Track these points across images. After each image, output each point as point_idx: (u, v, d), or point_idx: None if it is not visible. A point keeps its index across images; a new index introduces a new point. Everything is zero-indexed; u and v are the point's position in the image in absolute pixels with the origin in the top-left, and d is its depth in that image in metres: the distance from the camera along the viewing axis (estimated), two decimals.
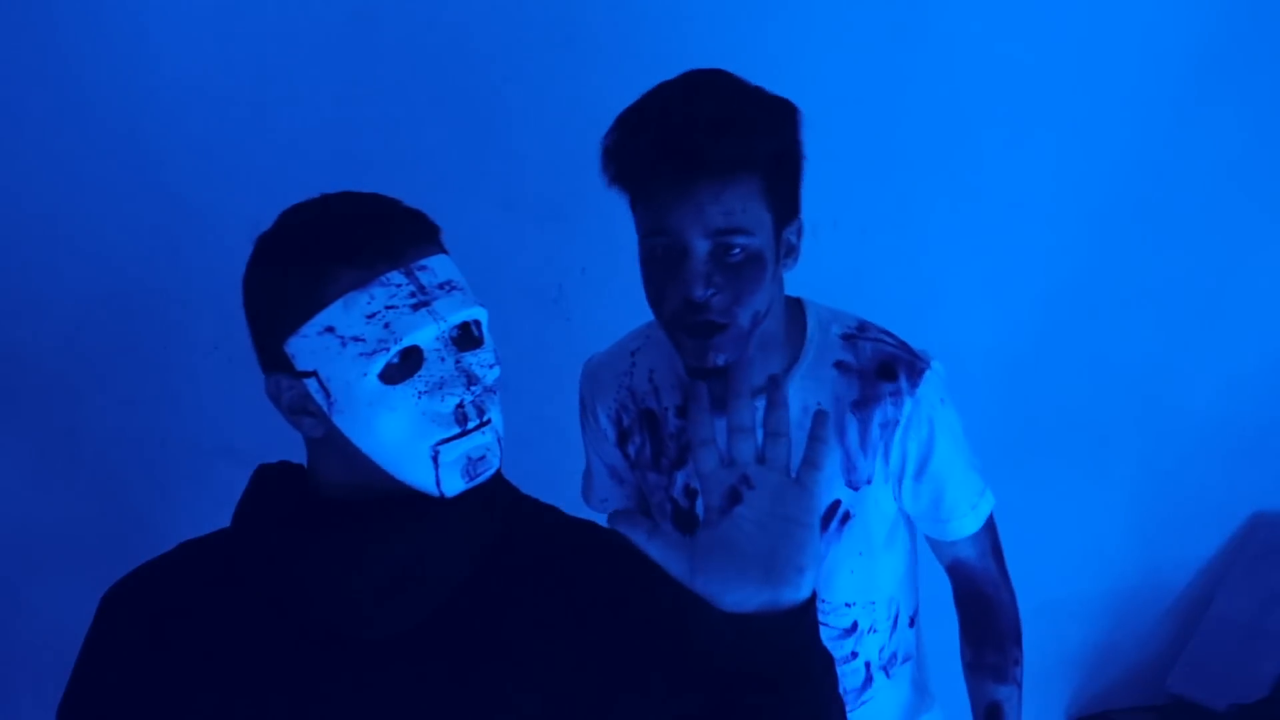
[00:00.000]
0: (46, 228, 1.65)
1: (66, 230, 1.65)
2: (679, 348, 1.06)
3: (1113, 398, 2.17)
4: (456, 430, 0.73)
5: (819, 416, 0.75)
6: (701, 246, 0.99)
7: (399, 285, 0.73)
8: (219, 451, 1.77)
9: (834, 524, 1.17)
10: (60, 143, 1.61)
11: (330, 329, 0.72)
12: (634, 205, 1.05)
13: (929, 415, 1.13)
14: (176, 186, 1.66)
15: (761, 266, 1.01)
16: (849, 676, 1.24)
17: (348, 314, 0.72)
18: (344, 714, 0.72)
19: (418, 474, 0.74)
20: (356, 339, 0.72)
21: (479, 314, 0.76)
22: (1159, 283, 2.11)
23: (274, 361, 0.76)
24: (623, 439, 1.26)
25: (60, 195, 1.64)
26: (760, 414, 0.78)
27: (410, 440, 0.73)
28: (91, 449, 1.76)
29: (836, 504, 1.16)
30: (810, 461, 0.73)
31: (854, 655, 1.24)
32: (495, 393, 0.77)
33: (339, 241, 0.73)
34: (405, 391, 0.73)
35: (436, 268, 0.75)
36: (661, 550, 0.72)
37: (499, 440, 0.77)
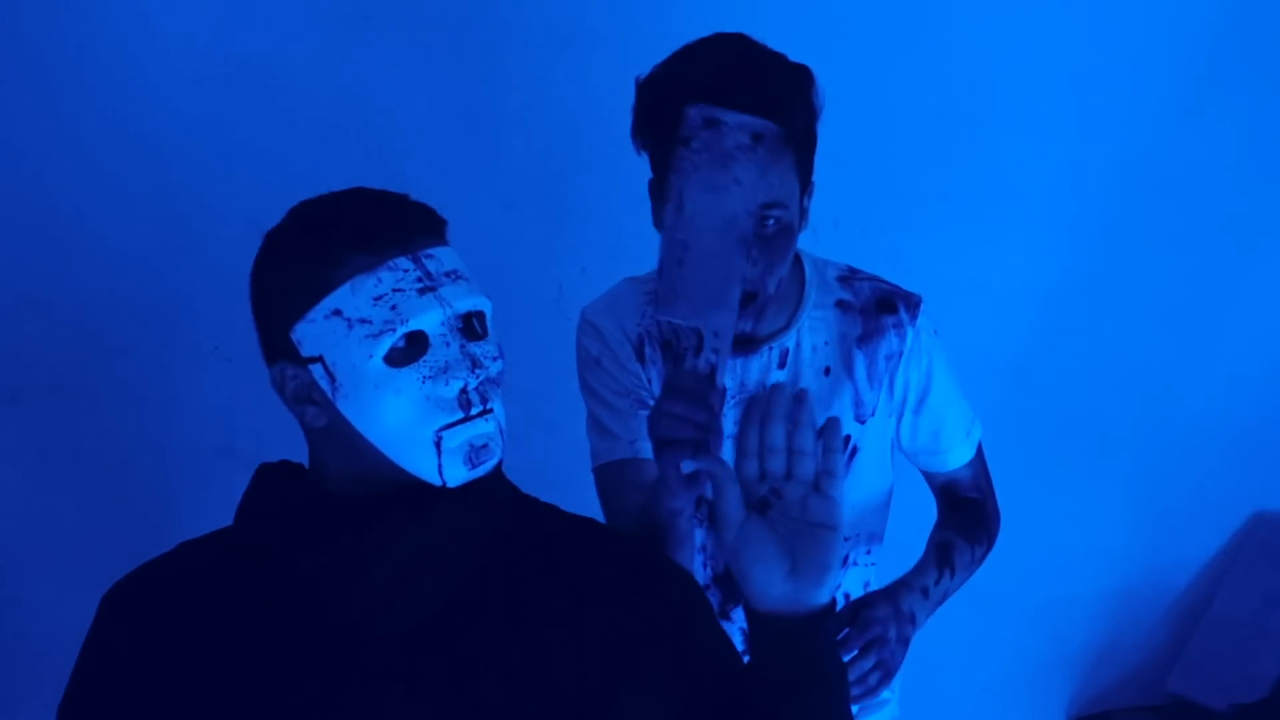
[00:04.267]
0: (47, 227, 1.65)
1: (67, 230, 1.65)
2: None
3: (1113, 398, 2.17)
4: (460, 415, 0.74)
5: (830, 425, 0.77)
6: None
7: (406, 270, 0.74)
8: (219, 451, 1.76)
9: (843, 459, 1.19)
10: (60, 142, 1.61)
11: (337, 312, 0.73)
12: (660, 169, 1.05)
13: (928, 346, 1.20)
14: (177, 186, 1.66)
15: (791, 237, 1.06)
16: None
17: (355, 297, 0.73)
18: (347, 710, 0.72)
19: (420, 461, 0.74)
20: (363, 321, 0.73)
21: (484, 305, 0.78)
22: (1159, 283, 2.11)
23: (279, 350, 0.77)
24: (643, 364, 1.24)
25: (60, 195, 1.64)
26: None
27: (413, 425, 0.73)
28: (91, 449, 1.76)
29: (846, 439, 1.19)
30: (828, 471, 0.76)
31: (837, 587, 1.26)
32: (499, 385, 0.77)
33: (348, 228, 0.74)
34: (410, 375, 0.73)
35: (443, 257, 0.76)
36: (721, 507, 0.76)
37: (501, 432, 0.77)
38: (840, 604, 1.27)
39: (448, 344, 0.74)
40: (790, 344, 1.18)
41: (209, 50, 1.61)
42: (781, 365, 1.19)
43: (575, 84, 1.73)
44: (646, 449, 1.24)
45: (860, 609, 1.10)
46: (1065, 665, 2.44)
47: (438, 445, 0.74)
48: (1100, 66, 1.91)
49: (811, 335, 1.18)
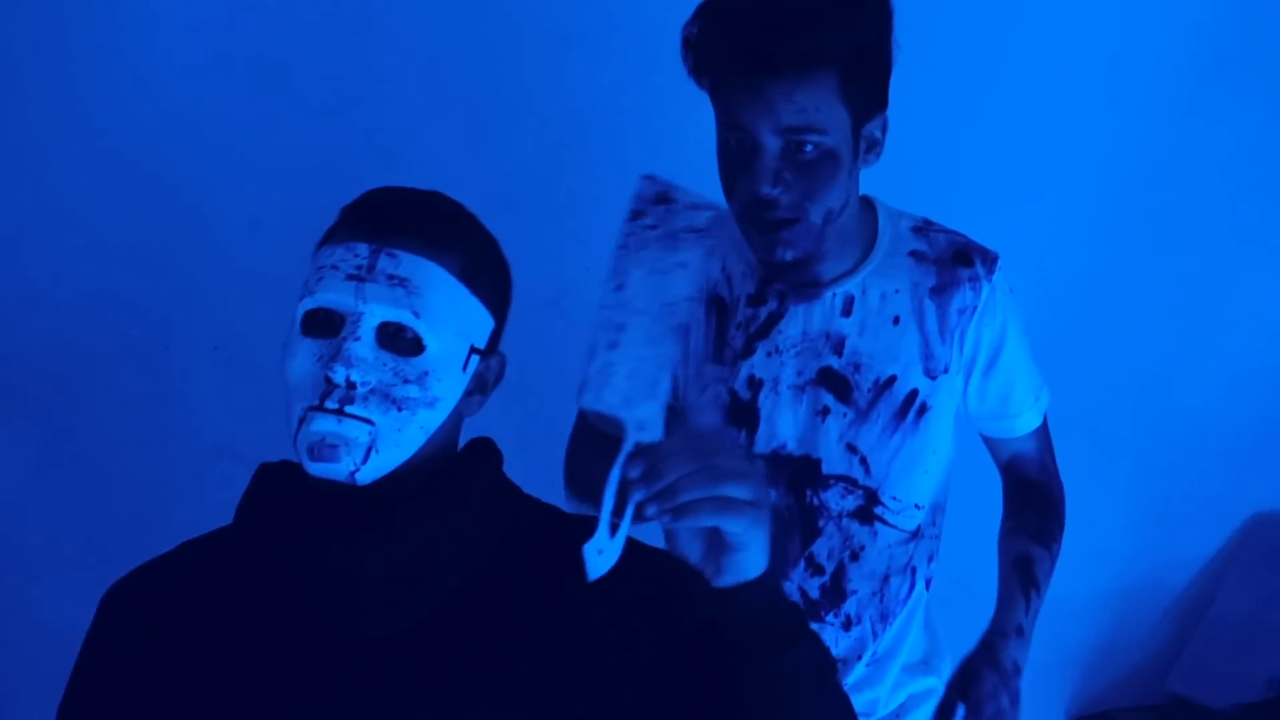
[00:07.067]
0: (46, 227, 1.65)
1: (66, 230, 1.65)
2: (748, 240, 1.08)
3: (1112, 397, 2.17)
4: (316, 402, 0.72)
5: None
6: (773, 143, 1.00)
7: (357, 255, 0.74)
8: (219, 451, 1.76)
9: (911, 415, 1.16)
10: (60, 142, 1.61)
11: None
12: (711, 97, 1.05)
13: (1003, 304, 1.16)
14: (176, 186, 1.66)
15: (835, 164, 1.02)
16: (902, 585, 1.23)
17: (314, 261, 0.77)
18: (345, 711, 0.72)
19: (291, 434, 0.74)
20: (305, 281, 0.76)
21: (406, 319, 0.73)
22: (1159, 282, 2.11)
23: None
24: None
25: (60, 195, 1.64)
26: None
27: (295, 396, 0.74)
28: (91, 449, 1.76)
29: (914, 393, 1.15)
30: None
31: (909, 560, 1.23)
32: (399, 408, 0.73)
33: (356, 204, 0.79)
34: (310, 347, 0.74)
35: (405, 262, 0.74)
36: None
37: (369, 449, 0.72)
38: (909, 580, 1.24)
39: (357, 336, 0.73)
40: (855, 290, 1.14)
41: (209, 50, 1.61)
42: (846, 313, 1.14)
43: (576, 83, 1.73)
44: None
45: (968, 685, 1.07)
46: (1065, 665, 2.44)
47: (300, 424, 0.73)
48: (1099, 65, 1.91)
49: (880, 283, 1.14)
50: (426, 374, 0.74)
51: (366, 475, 0.73)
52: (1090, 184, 1.99)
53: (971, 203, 1.95)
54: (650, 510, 0.66)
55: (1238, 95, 1.99)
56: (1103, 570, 2.34)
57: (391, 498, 0.75)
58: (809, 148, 1.00)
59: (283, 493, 0.78)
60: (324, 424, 0.72)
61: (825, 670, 0.75)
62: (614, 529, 0.68)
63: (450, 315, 0.75)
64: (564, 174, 1.77)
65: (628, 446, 0.68)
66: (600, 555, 0.68)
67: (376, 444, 0.73)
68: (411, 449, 0.75)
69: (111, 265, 1.68)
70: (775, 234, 1.04)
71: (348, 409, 0.72)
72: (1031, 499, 1.25)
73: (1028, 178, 1.95)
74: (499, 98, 1.72)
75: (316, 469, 0.72)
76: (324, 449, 0.72)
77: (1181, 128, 1.98)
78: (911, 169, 1.87)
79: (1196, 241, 2.08)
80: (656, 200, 0.75)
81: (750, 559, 0.68)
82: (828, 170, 1.02)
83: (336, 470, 0.72)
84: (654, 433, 0.70)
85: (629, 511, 0.67)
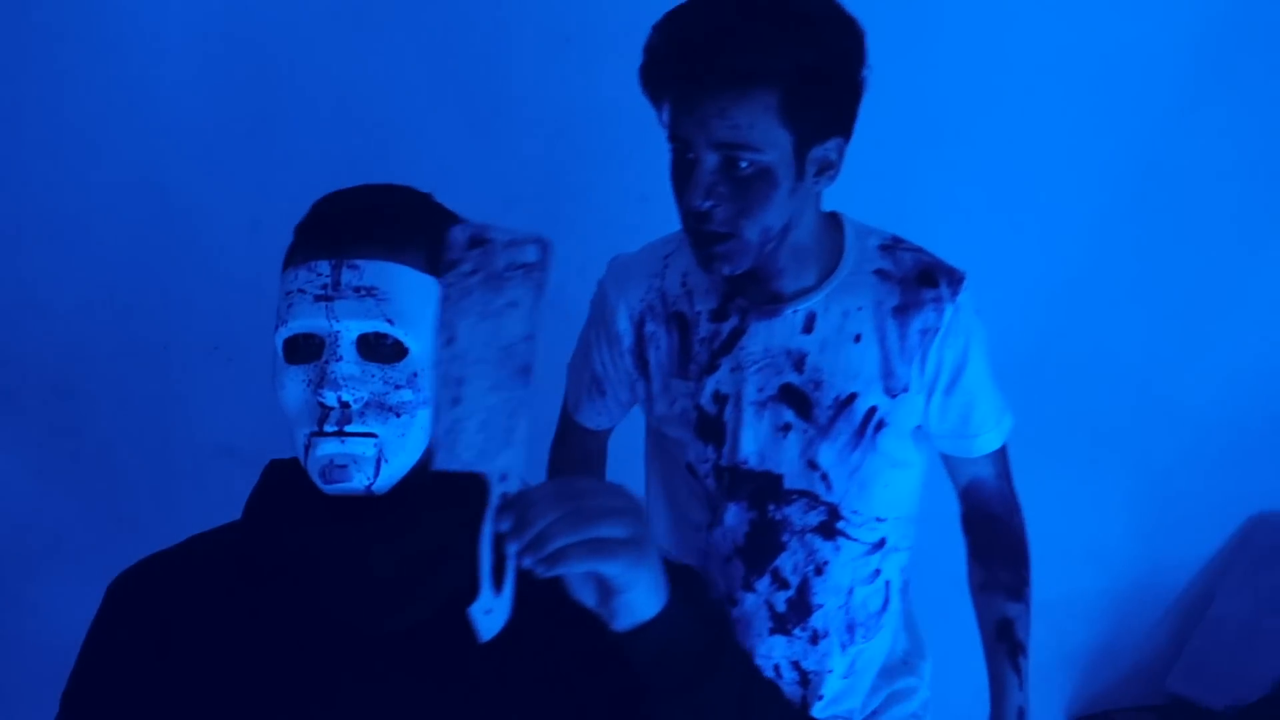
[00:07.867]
0: (47, 228, 1.65)
1: (66, 231, 1.65)
2: (692, 253, 1.09)
3: (1112, 397, 2.17)
4: (315, 428, 0.73)
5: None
6: (710, 158, 1.01)
7: (319, 274, 0.74)
8: (219, 451, 1.77)
9: (869, 431, 1.16)
10: (60, 143, 1.61)
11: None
12: (655, 107, 1.06)
13: (966, 325, 1.16)
14: (177, 187, 1.66)
15: (772, 183, 1.02)
16: (871, 598, 1.24)
17: (282, 284, 0.76)
18: (353, 705, 0.73)
19: (302, 460, 0.75)
20: (277, 311, 0.76)
21: (381, 328, 0.73)
22: (1158, 281, 2.11)
23: None
24: (640, 345, 1.23)
25: (60, 196, 1.64)
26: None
27: (296, 424, 0.75)
28: (91, 449, 1.76)
29: (873, 410, 1.15)
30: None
31: (877, 574, 1.23)
32: (397, 414, 0.74)
33: (309, 220, 0.78)
34: (298, 374, 0.74)
35: (367, 271, 0.74)
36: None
37: (378, 461, 0.73)
38: (883, 594, 1.25)
39: (339, 356, 0.73)
40: (817, 307, 1.14)
41: (209, 50, 1.61)
42: (808, 330, 1.14)
43: (576, 82, 1.73)
44: (581, 416, 1.33)
45: None
46: (1065, 665, 2.44)
47: (307, 450, 0.74)
48: (1098, 63, 1.91)
49: (843, 300, 1.14)
50: (416, 375, 0.75)
51: (382, 485, 0.74)
52: (1089, 182, 1.99)
53: (971, 202, 1.96)
54: (525, 561, 0.63)
55: (1238, 93, 1.99)
56: (1103, 570, 2.34)
57: (401, 493, 0.75)
58: (744, 164, 1.00)
59: (292, 489, 0.79)
60: (329, 447, 0.73)
61: (747, 698, 0.73)
62: (498, 586, 0.66)
63: (425, 310, 0.75)
64: (564, 173, 1.77)
65: (494, 500, 0.66)
66: (489, 615, 0.66)
67: (384, 454, 0.74)
68: (420, 450, 0.76)
69: (112, 266, 1.68)
70: (710, 249, 1.05)
71: (347, 429, 0.73)
72: (997, 542, 1.24)
73: (1026, 176, 1.96)
74: (500, 96, 1.72)
75: (332, 489, 0.73)
76: (334, 470, 0.73)
77: (1184, 124, 1.98)
78: (910, 167, 1.88)
79: (1196, 240, 2.08)
80: (470, 245, 0.73)
81: (639, 599, 0.66)
82: (763, 189, 1.01)
83: (351, 488, 0.73)
84: (516, 479, 0.67)
85: (509, 565, 0.65)
